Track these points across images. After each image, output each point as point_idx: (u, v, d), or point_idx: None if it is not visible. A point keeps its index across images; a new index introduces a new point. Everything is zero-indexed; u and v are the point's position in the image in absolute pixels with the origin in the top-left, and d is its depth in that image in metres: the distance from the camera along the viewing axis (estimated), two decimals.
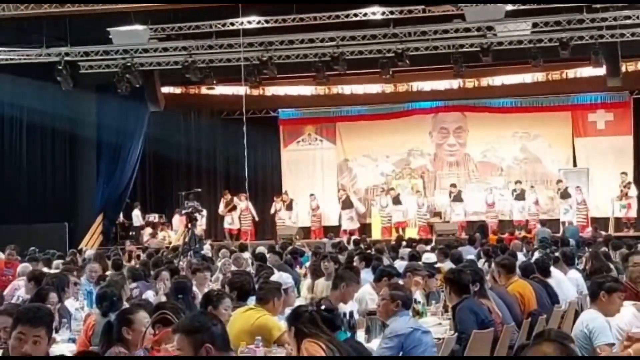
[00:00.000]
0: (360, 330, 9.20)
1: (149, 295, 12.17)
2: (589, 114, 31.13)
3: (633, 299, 9.51)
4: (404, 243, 22.70)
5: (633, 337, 6.29)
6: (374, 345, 8.47)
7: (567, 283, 13.09)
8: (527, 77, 29.22)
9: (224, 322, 6.44)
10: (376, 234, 30.42)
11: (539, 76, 29.17)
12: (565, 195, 29.31)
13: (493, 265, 12.44)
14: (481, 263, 15.51)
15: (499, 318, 9.73)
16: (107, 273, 14.86)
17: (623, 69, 26.92)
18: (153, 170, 33.37)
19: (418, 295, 11.12)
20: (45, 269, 16.03)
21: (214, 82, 28.97)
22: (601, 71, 26.90)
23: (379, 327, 9.00)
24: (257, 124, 30.95)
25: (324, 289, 12.37)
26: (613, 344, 7.61)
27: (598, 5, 24.12)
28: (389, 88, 30.57)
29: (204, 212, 29.34)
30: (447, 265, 14.96)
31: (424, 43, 26.13)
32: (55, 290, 10.20)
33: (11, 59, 27.89)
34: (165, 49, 27.47)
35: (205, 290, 11.29)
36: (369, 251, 18.74)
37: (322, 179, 32.89)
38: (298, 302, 10.36)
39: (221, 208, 31.86)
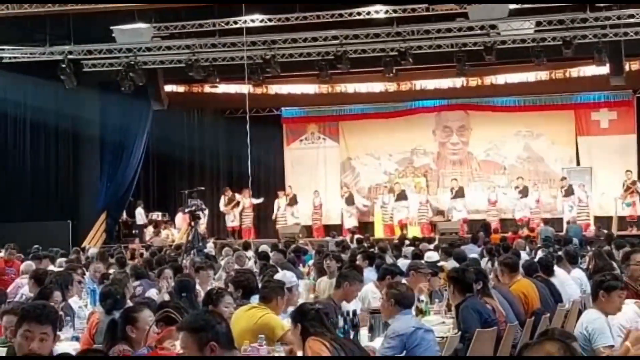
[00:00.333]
0: (364, 329, 9.20)
1: (152, 293, 12.19)
2: (592, 113, 31.09)
3: (634, 297, 9.53)
4: (407, 241, 22.70)
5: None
6: (377, 343, 8.47)
7: (571, 282, 13.09)
8: (531, 76, 29.20)
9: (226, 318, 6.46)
10: (379, 233, 30.42)
11: (542, 75, 29.15)
12: (569, 192, 29.27)
13: (496, 264, 12.44)
14: (484, 262, 15.54)
15: (503, 317, 9.72)
16: (110, 271, 14.85)
17: (626, 67, 26.88)
18: (156, 168, 33.38)
19: (421, 294, 11.14)
20: (50, 267, 16.08)
21: (217, 80, 28.96)
22: (604, 70, 26.89)
23: (382, 326, 9.00)
24: (260, 122, 30.92)
25: (326, 287, 12.38)
26: (612, 346, 7.60)
27: (602, 4, 24.11)
28: (392, 86, 30.57)
29: (207, 211, 29.37)
30: (451, 263, 14.96)
31: (427, 42, 26.14)
32: (59, 288, 10.23)
33: (15, 58, 27.93)
34: (169, 48, 27.48)
35: (209, 288, 11.29)
36: (372, 250, 18.72)
37: (325, 178, 32.88)
38: (300, 301, 10.38)
39: (222, 205, 31.83)
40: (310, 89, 31.21)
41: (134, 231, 31.33)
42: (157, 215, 31.79)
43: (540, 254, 16.62)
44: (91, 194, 31.54)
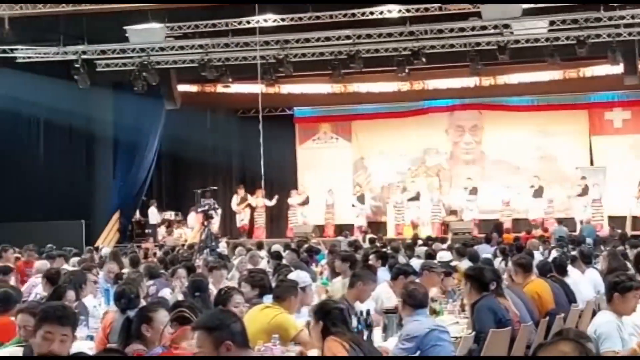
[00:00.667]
0: (377, 329, 9.20)
1: (166, 293, 12.20)
2: (606, 113, 31.04)
3: None
4: (419, 241, 22.67)
5: None
6: (391, 343, 8.47)
7: (585, 282, 13.06)
8: (544, 75, 29.10)
9: None
10: (391, 232, 30.41)
11: (556, 74, 29.05)
12: (585, 192, 29.19)
13: (510, 264, 12.41)
14: (497, 262, 15.50)
15: (516, 317, 9.71)
16: (124, 271, 14.88)
17: None
18: (169, 168, 33.45)
19: (435, 294, 11.14)
20: (63, 266, 16.12)
21: (230, 80, 28.98)
22: (618, 69, 26.83)
23: (395, 325, 9.01)
24: (273, 122, 30.95)
25: (340, 287, 12.37)
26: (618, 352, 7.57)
27: (615, 4, 24.03)
28: (405, 86, 30.53)
29: (220, 210, 29.42)
30: (464, 263, 14.95)
31: (440, 41, 26.12)
32: (72, 287, 10.25)
33: (29, 57, 28.01)
34: (182, 47, 27.52)
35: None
36: (384, 249, 18.72)
37: (338, 177, 32.85)
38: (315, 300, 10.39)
39: (234, 204, 31.83)
40: (322, 88, 31.20)
41: (147, 231, 31.38)
42: (170, 215, 31.84)
43: (554, 254, 16.57)
44: (104, 194, 31.62)
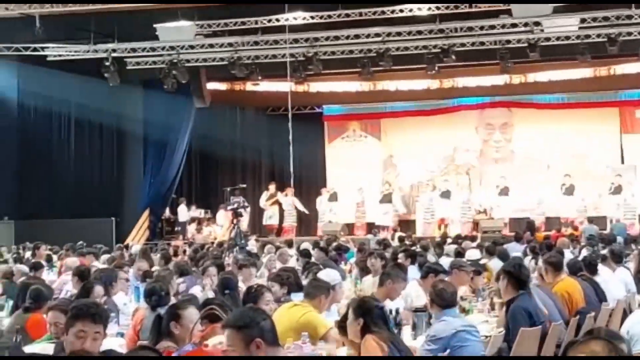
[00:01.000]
0: (407, 327, 9.18)
1: (196, 290, 12.24)
2: (637, 110, 30.88)
3: None
4: (449, 240, 22.61)
5: None
6: (420, 342, 8.43)
7: (615, 281, 12.96)
8: (575, 73, 28.89)
9: None
10: (420, 231, 30.33)
11: (587, 72, 28.85)
12: (618, 190, 29.01)
13: (540, 262, 12.34)
14: (527, 260, 15.43)
15: (544, 316, 9.64)
16: (154, 268, 14.94)
17: None
18: (198, 165, 33.51)
19: (464, 292, 11.11)
20: (93, 263, 16.20)
21: (260, 78, 29.00)
22: None
23: (425, 324, 8.98)
24: (302, 120, 30.94)
25: (370, 286, 12.36)
26: None
27: None
28: (434, 84, 30.45)
29: (249, 208, 29.44)
30: (494, 262, 14.90)
31: (470, 39, 26.04)
32: (101, 284, 10.30)
33: (60, 55, 28.15)
34: (211, 45, 27.55)
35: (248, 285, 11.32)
36: (413, 248, 18.68)
37: (367, 175, 32.81)
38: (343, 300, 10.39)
39: (263, 200, 31.80)
40: (352, 86, 31.16)
41: (176, 228, 31.46)
42: (199, 213, 31.90)
43: (584, 252, 16.49)
44: (134, 192, 31.75)
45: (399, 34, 25.94)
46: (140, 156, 31.74)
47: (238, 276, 12.32)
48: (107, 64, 27.41)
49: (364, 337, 6.89)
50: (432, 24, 25.47)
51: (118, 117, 30.50)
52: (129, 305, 11.02)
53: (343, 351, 7.87)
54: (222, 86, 31.86)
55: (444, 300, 8.29)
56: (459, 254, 15.98)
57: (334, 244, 21.20)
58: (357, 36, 26.14)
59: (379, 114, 33.37)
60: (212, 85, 31.24)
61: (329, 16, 24.82)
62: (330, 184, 32.62)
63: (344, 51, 27.28)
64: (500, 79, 29.47)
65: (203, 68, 29.52)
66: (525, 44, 25.52)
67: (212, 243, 25.70)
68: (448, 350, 7.84)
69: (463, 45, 26.18)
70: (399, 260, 14.32)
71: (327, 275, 9.93)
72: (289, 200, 31.26)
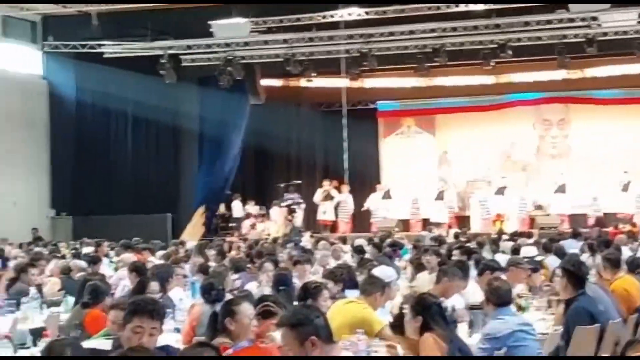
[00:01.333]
0: (463, 324, 9.14)
1: (252, 286, 12.27)
2: None
3: None
4: (505, 236, 22.44)
5: None
6: (476, 340, 8.38)
7: None
8: (633, 68, 28.56)
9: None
10: (476, 227, 30.16)
11: None
12: None
13: (598, 259, 12.21)
14: (585, 257, 15.28)
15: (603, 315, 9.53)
16: (210, 264, 15.00)
17: None
18: (253, 162, 33.58)
19: (521, 290, 11.02)
20: (149, 259, 16.31)
21: (314, 74, 29.01)
22: None
23: (481, 321, 8.92)
24: (356, 116, 30.93)
25: (425, 283, 12.31)
26: None
27: None
28: (490, 79, 30.24)
29: (303, 204, 29.48)
30: (550, 259, 14.77)
31: (526, 34, 25.85)
32: (156, 279, 10.36)
33: (116, 53, 28.40)
34: (266, 42, 27.63)
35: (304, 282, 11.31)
36: (469, 244, 18.58)
37: (421, 171, 32.67)
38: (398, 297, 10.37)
39: (318, 196, 31.75)
40: (406, 82, 31.02)
41: (231, 224, 31.55)
42: (254, 209, 31.97)
43: None
44: (190, 188, 31.94)
45: (454, 29, 25.81)
46: (196, 153, 31.92)
47: (292, 272, 12.33)
48: (163, 61, 27.64)
49: (423, 336, 6.86)
50: (488, 19, 25.33)
51: (174, 114, 30.71)
52: (185, 300, 11.07)
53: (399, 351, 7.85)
54: (276, 83, 31.93)
55: (499, 298, 8.23)
56: (515, 250, 15.84)
57: (388, 240, 21.12)
58: (412, 32, 26.06)
59: (433, 109, 33.22)
60: (266, 82, 31.34)
61: (384, 12, 24.79)
62: (385, 180, 32.51)
63: (399, 47, 27.20)
64: (557, 75, 29.17)
65: (258, 65, 29.64)
66: (583, 39, 25.28)
67: (266, 239, 25.75)
68: (504, 349, 7.78)
69: (519, 40, 25.99)
70: (454, 257, 14.23)
71: (382, 272, 9.91)
72: (343, 197, 31.20)
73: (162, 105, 29.82)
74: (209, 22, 25.75)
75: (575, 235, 21.63)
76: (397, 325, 7.38)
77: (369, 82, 31.05)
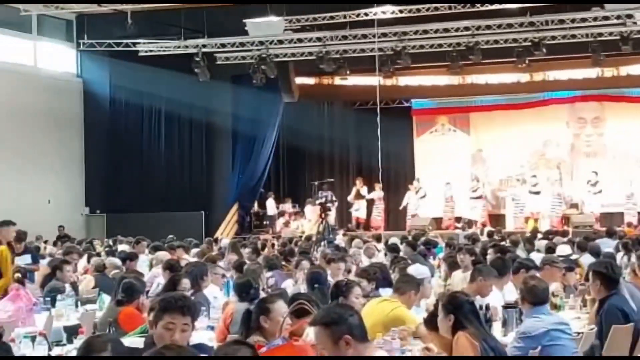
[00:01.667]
0: (497, 323, 9.11)
1: (289, 284, 12.29)
2: None
3: None
4: (539, 235, 22.33)
5: None
6: (510, 338, 8.35)
7: None
8: None
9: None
10: (510, 225, 30.06)
11: None
12: None
13: (633, 258, 12.13)
14: (620, 256, 15.19)
15: (637, 314, 9.47)
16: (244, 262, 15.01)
17: None
18: (287, 160, 33.61)
19: (556, 288, 10.97)
20: (184, 256, 16.36)
21: (348, 72, 29.02)
22: None
23: (515, 320, 8.89)
24: (390, 114, 30.81)
25: (460, 281, 12.29)
26: None
27: None
28: (524, 77, 30.08)
29: (337, 202, 29.46)
30: (585, 258, 14.68)
31: (561, 32, 25.75)
32: (188, 277, 10.38)
33: (150, 51, 28.55)
34: (300, 40, 27.67)
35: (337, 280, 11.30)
36: (503, 243, 18.51)
37: (456, 169, 32.56)
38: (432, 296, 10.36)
39: (352, 197, 31.72)
40: (440, 80, 30.92)
41: (264, 222, 31.61)
42: (288, 207, 32.00)
43: None
44: (224, 185, 32.03)
45: (488, 27, 25.76)
46: (229, 150, 31.99)
47: (326, 270, 12.32)
48: (197, 59, 27.75)
49: (456, 335, 6.83)
50: (523, 17, 25.25)
51: (207, 112, 30.80)
52: (219, 298, 11.09)
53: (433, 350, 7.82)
54: (310, 81, 31.93)
55: (535, 296, 8.18)
56: (550, 249, 15.77)
57: (423, 238, 21.07)
58: (446, 30, 26.02)
59: (468, 107, 33.09)
60: (300, 80, 31.36)
61: (418, 10, 24.75)
62: (417, 179, 32.43)
63: (433, 45, 27.18)
64: (591, 72, 28.99)
65: (292, 63, 29.67)
66: (618, 37, 25.15)
67: (300, 237, 25.77)
68: (539, 348, 7.75)
69: (554, 38, 25.89)
70: (489, 256, 14.18)
71: (416, 270, 9.90)
72: (376, 195, 31.15)
73: (196, 103, 29.95)
74: (243, 20, 25.81)
75: (610, 233, 21.49)
76: (431, 322, 7.36)
77: (402, 80, 30.98)
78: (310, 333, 6.39)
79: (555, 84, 30.43)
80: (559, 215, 29.79)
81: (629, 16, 24.53)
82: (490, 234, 24.09)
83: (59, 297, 11.06)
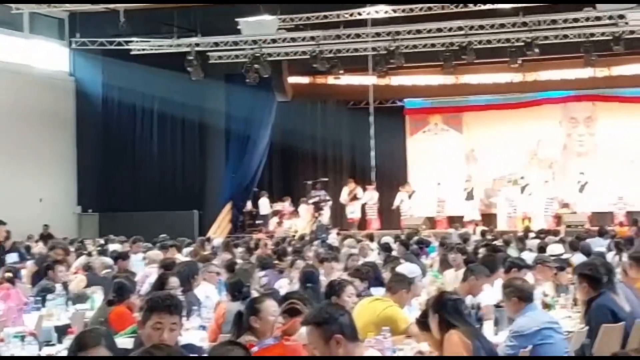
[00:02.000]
0: (489, 322, 9.12)
1: (284, 283, 12.29)
2: None
3: None
4: (531, 234, 22.37)
5: None
6: (501, 338, 8.37)
7: None
8: None
9: (349, 310, 6.48)
10: (503, 225, 30.09)
11: None
12: None
13: (624, 258, 12.15)
14: (611, 255, 15.22)
15: (627, 314, 9.49)
16: (237, 261, 15.01)
17: None
18: (280, 159, 33.60)
19: (547, 288, 10.99)
20: (176, 255, 16.34)
21: (341, 71, 29.03)
22: None
23: (507, 319, 8.90)
24: (383, 113, 30.87)
25: (451, 280, 12.31)
26: None
27: None
28: (517, 77, 30.14)
29: (330, 202, 29.46)
30: (577, 257, 14.70)
31: (553, 32, 25.81)
32: (178, 276, 10.36)
33: (143, 50, 28.52)
34: (293, 39, 27.67)
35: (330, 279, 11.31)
36: (495, 242, 18.54)
37: (448, 169, 32.58)
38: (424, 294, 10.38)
39: (344, 196, 31.74)
40: (434, 79, 30.95)
41: (257, 221, 31.58)
42: (281, 206, 31.97)
43: None
44: (217, 185, 32.02)
45: (481, 27, 25.80)
46: (223, 149, 31.99)
47: (319, 269, 12.33)
48: (190, 58, 27.73)
49: (448, 333, 6.84)
50: (515, 17, 25.29)
51: (200, 111, 30.80)
52: (212, 297, 11.09)
53: (423, 347, 7.84)
54: (303, 80, 31.93)
55: (525, 292, 8.20)
56: (542, 249, 15.79)
57: (416, 238, 21.08)
58: (439, 30, 26.05)
59: (461, 107, 33.13)
60: (293, 79, 31.37)
61: (411, 10, 24.77)
62: (412, 177, 32.45)
63: (426, 45, 27.21)
64: (584, 73, 29.03)
65: (285, 62, 29.69)
66: (610, 37, 25.22)
67: (294, 236, 25.77)
68: (530, 347, 7.76)
69: (546, 38, 25.95)
70: (480, 256, 14.18)
71: (406, 268, 9.91)
72: (370, 195, 31.14)
73: (189, 102, 29.93)
74: (237, 19, 25.80)
75: (602, 233, 21.53)
76: (422, 322, 7.37)
77: (396, 80, 31.00)
78: (302, 332, 6.40)
79: (548, 84, 30.48)
80: (551, 214, 29.82)
81: (621, 16, 24.59)
82: (482, 234, 24.12)
83: (49, 296, 11.04)
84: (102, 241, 22.87)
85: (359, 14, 25.21)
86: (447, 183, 31.72)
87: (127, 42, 28.35)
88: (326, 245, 20.01)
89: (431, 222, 30.91)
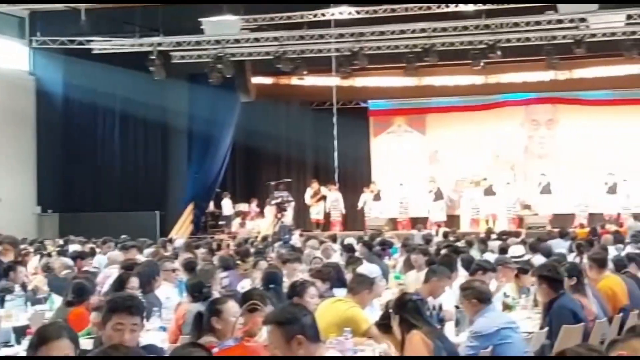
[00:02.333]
0: (450, 323, 9.13)
1: (246, 284, 12.25)
2: None
3: None
4: (493, 236, 22.46)
5: None
6: (462, 338, 8.38)
7: None
8: (621, 69, 28.58)
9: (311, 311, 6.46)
10: (465, 226, 30.20)
11: (633, 68, 28.49)
12: None
13: (585, 259, 12.22)
14: (572, 257, 15.30)
15: (592, 315, 9.56)
16: (199, 262, 14.94)
17: None
18: (243, 160, 33.54)
19: (509, 289, 11.03)
20: (137, 256, 16.24)
21: (305, 72, 29.01)
22: None
23: (468, 320, 8.92)
24: (347, 114, 30.91)
25: (413, 281, 12.32)
26: None
27: None
28: (480, 79, 30.24)
29: (293, 203, 29.45)
30: (537, 258, 14.76)
31: (516, 34, 25.92)
32: (137, 276, 10.30)
33: (105, 49, 28.35)
34: (257, 40, 27.63)
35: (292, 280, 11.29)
36: (457, 243, 18.59)
37: (412, 170, 32.66)
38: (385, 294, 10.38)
39: (307, 198, 31.77)
40: (397, 81, 30.99)
41: (220, 222, 31.53)
42: (244, 207, 31.93)
43: (629, 249, 16.32)
44: (179, 185, 31.90)
45: (444, 29, 25.85)
46: (185, 150, 31.89)
47: (282, 270, 12.30)
48: (153, 57, 27.60)
49: (410, 333, 6.86)
50: (478, 20, 25.38)
51: (163, 111, 30.68)
52: (172, 298, 11.03)
53: (384, 348, 7.84)
54: (267, 80, 31.88)
55: (483, 294, 8.24)
56: (503, 250, 15.85)
57: (379, 239, 21.11)
58: (402, 31, 26.09)
59: (424, 109, 33.21)
60: (257, 80, 31.32)
61: (375, 11, 24.81)
62: (375, 178, 32.50)
63: (390, 46, 27.23)
64: (545, 75, 29.24)
65: (248, 62, 29.63)
66: (571, 40, 25.37)
67: (256, 237, 25.74)
68: (490, 347, 7.79)
69: (509, 41, 26.05)
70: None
71: (366, 269, 9.94)
72: (333, 196, 31.17)
73: (151, 102, 29.78)
74: (200, 19, 25.72)
75: (563, 235, 21.66)
76: (384, 324, 7.38)
77: (359, 81, 31.02)
78: (264, 333, 6.39)
79: (510, 86, 30.64)
80: (513, 216, 29.97)
81: (582, 20, 24.75)
82: (445, 235, 24.15)
83: (8, 297, 10.95)
84: (61, 242, 22.70)
85: (323, 14, 25.21)
86: (411, 184, 31.80)
87: (88, 42, 28.18)
88: (289, 246, 19.99)
89: (394, 223, 30.98)
